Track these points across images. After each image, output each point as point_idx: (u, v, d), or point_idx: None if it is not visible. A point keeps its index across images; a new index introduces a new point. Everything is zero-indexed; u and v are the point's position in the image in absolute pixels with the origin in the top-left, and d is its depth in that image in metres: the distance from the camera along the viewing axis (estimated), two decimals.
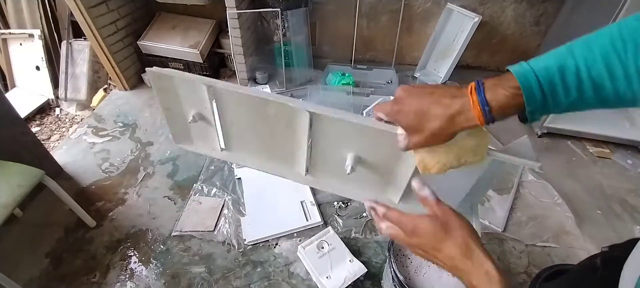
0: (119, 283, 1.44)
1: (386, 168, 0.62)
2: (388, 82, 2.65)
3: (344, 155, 0.63)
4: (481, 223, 1.57)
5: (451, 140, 0.49)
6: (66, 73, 2.59)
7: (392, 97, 0.53)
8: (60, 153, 2.05)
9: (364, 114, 2.16)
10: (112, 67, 2.44)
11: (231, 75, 2.77)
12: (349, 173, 0.61)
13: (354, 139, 0.60)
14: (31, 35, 2.61)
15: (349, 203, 1.75)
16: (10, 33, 2.68)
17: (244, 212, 1.71)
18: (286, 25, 2.47)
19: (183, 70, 2.72)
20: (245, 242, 1.57)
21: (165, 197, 1.80)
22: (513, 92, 0.43)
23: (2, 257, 1.52)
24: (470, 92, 0.45)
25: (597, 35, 0.44)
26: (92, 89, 2.64)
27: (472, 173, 0.61)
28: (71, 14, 2.45)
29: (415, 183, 0.53)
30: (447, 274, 1.07)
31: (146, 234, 1.62)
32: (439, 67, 2.66)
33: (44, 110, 2.68)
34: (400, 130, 0.52)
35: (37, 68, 2.66)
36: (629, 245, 0.55)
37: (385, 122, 0.55)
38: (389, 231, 0.53)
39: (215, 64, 2.78)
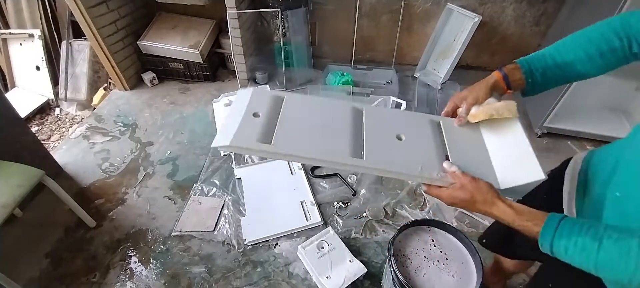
0: (119, 283, 1.44)
1: (424, 148, 0.77)
2: (388, 82, 2.65)
3: (390, 137, 0.78)
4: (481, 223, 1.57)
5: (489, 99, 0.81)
6: (66, 73, 2.59)
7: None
8: (60, 154, 2.05)
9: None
10: (112, 67, 2.44)
11: (231, 75, 2.77)
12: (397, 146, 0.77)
13: (398, 125, 0.81)
14: (31, 35, 2.61)
15: (348, 204, 1.75)
16: (10, 33, 2.68)
17: (244, 212, 1.71)
18: (286, 25, 2.47)
19: (183, 70, 2.73)
20: (245, 242, 1.57)
21: (165, 197, 1.80)
22: (516, 67, 0.79)
23: (2, 257, 1.52)
24: (498, 71, 0.82)
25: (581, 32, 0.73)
26: (92, 89, 2.64)
27: (487, 163, 0.78)
28: (71, 14, 2.45)
29: (445, 164, 0.73)
30: (446, 274, 1.07)
31: (146, 234, 1.62)
32: (439, 67, 2.66)
33: (44, 110, 2.68)
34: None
35: (37, 68, 2.66)
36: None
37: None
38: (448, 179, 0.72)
39: (215, 64, 2.78)
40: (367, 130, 0.78)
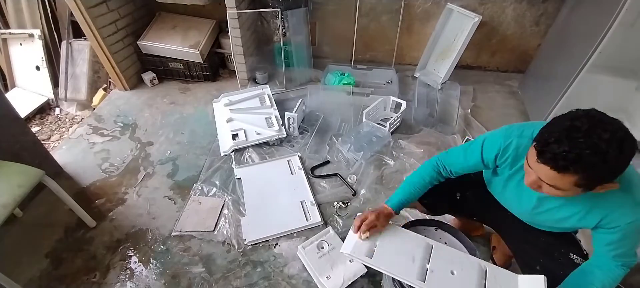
0: (119, 283, 1.44)
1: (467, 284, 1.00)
2: (388, 82, 2.65)
3: (446, 271, 1.03)
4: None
5: None
6: (66, 73, 2.59)
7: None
8: (60, 153, 2.05)
9: (365, 116, 2.16)
10: (112, 67, 2.44)
11: (231, 75, 2.77)
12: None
13: (453, 263, 1.05)
14: (31, 35, 2.61)
15: (349, 204, 1.75)
16: (10, 33, 2.68)
17: (244, 212, 1.71)
18: (286, 25, 2.47)
19: (183, 70, 2.73)
20: (245, 242, 1.57)
21: (165, 197, 1.80)
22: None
23: (2, 257, 1.52)
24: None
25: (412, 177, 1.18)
26: (92, 89, 2.64)
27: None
28: (71, 14, 2.45)
29: None
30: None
31: (146, 234, 1.62)
32: (438, 67, 2.66)
33: (44, 110, 2.68)
34: None
35: (37, 68, 2.67)
36: None
37: None
38: None
39: (215, 64, 2.78)
40: (432, 262, 1.05)
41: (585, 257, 1.02)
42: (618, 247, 0.87)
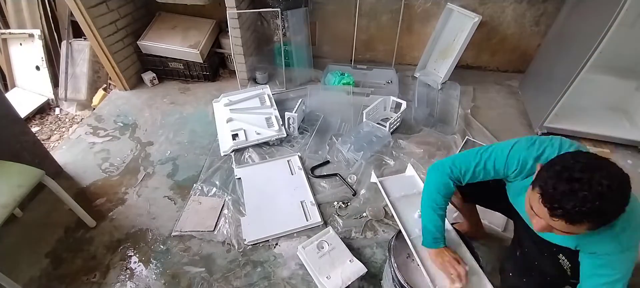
0: (119, 283, 1.44)
1: None
2: (388, 82, 2.65)
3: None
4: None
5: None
6: (66, 73, 2.59)
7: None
8: (60, 153, 2.05)
9: (365, 116, 2.16)
10: (112, 67, 2.44)
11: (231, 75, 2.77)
12: None
13: None
14: (31, 35, 2.61)
15: (349, 204, 1.75)
16: (10, 33, 2.68)
17: (244, 212, 1.71)
18: (286, 25, 2.47)
19: (183, 70, 2.73)
20: (245, 242, 1.56)
21: (165, 197, 1.80)
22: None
23: (2, 257, 1.52)
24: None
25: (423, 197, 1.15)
26: (92, 89, 2.64)
27: None
28: (71, 14, 2.45)
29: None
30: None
31: (146, 234, 1.62)
32: (439, 67, 2.66)
33: (44, 110, 2.68)
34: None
35: (37, 68, 2.66)
36: None
37: None
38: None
39: (215, 64, 2.78)
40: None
41: (574, 263, 0.98)
42: (600, 275, 0.86)
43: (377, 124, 2.17)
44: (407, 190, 1.35)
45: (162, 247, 1.57)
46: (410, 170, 1.44)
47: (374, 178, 1.35)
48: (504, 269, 1.23)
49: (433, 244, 1.09)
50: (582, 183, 0.72)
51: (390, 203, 1.26)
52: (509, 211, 1.23)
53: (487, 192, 1.21)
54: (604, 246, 0.85)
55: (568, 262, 1.00)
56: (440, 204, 1.09)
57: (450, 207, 1.58)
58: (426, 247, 1.10)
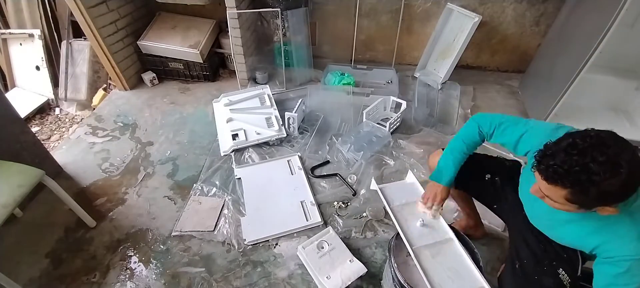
0: (119, 283, 1.44)
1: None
2: (388, 82, 2.65)
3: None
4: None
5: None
6: (66, 73, 2.59)
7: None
8: (60, 153, 2.05)
9: (365, 116, 2.16)
10: (112, 67, 2.44)
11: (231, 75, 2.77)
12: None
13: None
14: (31, 35, 2.61)
15: (349, 204, 1.75)
16: (10, 33, 2.68)
17: (244, 212, 1.71)
18: (286, 25, 2.47)
19: (183, 70, 2.73)
20: (245, 242, 1.56)
21: (165, 197, 1.80)
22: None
23: (2, 257, 1.52)
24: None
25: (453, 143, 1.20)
26: (92, 89, 2.64)
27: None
28: (71, 14, 2.45)
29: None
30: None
31: (146, 234, 1.62)
32: (439, 67, 2.66)
33: (44, 110, 2.68)
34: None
35: (37, 68, 2.66)
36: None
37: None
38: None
39: (215, 64, 2.78)
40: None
41: (574, 278, 0.97)
42: (617, 285, 0.80)
43: (377, 124, 2.17)
44: (408, 197, 1.31)
45: (162, 247, 1.57)
46: (410, 177, 1.42)
47: (374, 186, 1.34)
48: (502, 286, 1.17)
49: (435, 176, 1.19)
50: (576, 148, 0.71)
51: (391, 211, 1.25)
52: (503, 212, 1.23)
53: (500, 189, 1.21)
54: (624, 248, 0.78)
55: (568, 277, 0.97)
56: (458, 148, 1.16)
57: (450, 207, 1.60)
58: (430, 180, 1.21)
